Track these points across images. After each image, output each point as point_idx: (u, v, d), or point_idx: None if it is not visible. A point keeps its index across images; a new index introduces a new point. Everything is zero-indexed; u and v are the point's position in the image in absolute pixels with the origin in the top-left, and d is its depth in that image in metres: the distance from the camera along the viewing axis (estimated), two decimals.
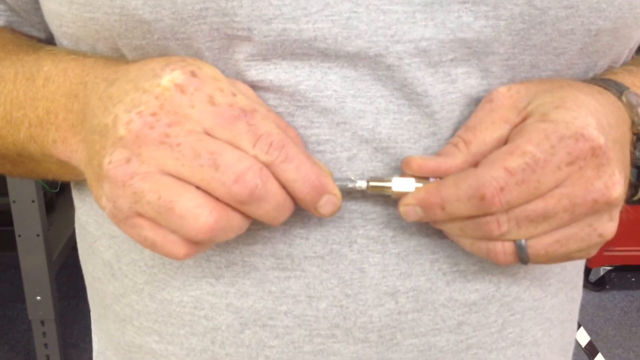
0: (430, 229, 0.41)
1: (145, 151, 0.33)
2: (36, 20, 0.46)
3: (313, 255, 0.40)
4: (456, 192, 0.36)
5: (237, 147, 0.34)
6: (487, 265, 0.42)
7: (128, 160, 0.33)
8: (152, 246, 0.35)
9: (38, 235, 1.61)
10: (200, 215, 0.33)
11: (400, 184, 0.38)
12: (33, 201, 1.57)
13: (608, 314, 2.13)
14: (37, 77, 0.40)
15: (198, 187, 0.34)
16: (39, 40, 0.48)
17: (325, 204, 0.36)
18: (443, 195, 0.36)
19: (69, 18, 0.40)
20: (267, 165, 0.34)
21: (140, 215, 0.34)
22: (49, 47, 0.43)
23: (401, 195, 0.38)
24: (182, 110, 0.34)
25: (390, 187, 0.38)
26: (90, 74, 0.38)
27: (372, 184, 0.38)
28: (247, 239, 0.41)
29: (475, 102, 0.39)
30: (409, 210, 0.38)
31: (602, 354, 1.94)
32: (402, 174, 0.39)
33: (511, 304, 0.44)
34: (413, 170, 0.38)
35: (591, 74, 0.41)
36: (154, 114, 0.33)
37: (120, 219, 0.35)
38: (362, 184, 0.38)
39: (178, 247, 0.35)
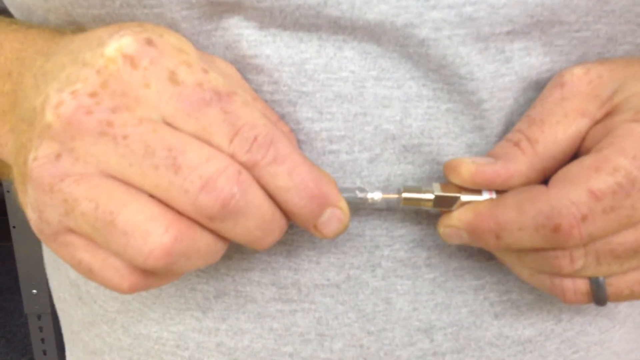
0: (474, 248, 0.34)
1: (81, 145, 0.26)
2: None
3: (326, 283, 0.34)
4: (519, 218, 0.29)
5: (206, 143, 0.27)
6: (545, 293, 0.36)
7: (58, 157, 0.27)
8: (89, 273, 0.28)
9: None
10: (151, 232, 0.26)
11: (443, 199, 0.31)
12: None
13: None
14: None
15: (152, 196, 0.27)
16: None
17: (328, 221, 0.29)
18: (500, 220, 0.30)
19: None
20: (249, 168, 0.27)
21: (72, 231, 0.27)
22: None
23: (443, 210, 0.31)
24: (133, 91, 0.27)
25: (429, 201, 0.31)
26: (29, 48, 0.32)
27: (405, 195, 0.31)
28: (241, 263, 0.35)
29: (535, 87, 0.33)
30: (452, 232, 0.31)
31: None
32: (445, 183, 0.32)
33: (574, 339, 0.38)
34: (463, 180, 0.31)
35: None
36: (93, 95, 0.26)
37: (49, 235, 0.28)
38: (375, 196, 0.31)
39: (120, 276, 0.27)
